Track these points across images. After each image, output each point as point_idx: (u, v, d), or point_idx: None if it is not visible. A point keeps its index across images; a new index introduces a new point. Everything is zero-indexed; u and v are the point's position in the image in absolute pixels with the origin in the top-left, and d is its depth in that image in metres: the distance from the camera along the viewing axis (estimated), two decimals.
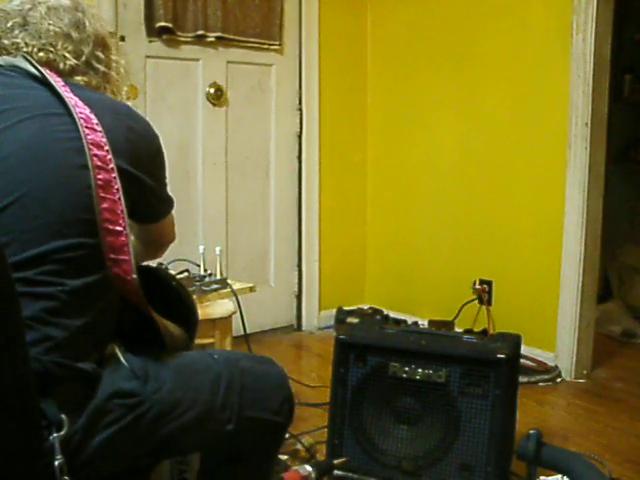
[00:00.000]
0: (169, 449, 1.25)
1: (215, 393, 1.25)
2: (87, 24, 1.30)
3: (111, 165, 1.13)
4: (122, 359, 1.17)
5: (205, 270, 2.14)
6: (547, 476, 2.01)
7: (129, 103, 1.34)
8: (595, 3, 2.88)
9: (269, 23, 3.48)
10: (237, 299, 2.13)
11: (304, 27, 3.62)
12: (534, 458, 1.95)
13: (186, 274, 2.10)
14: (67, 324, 1.08)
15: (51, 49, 1.25)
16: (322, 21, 3.65)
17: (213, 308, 2.16)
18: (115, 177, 1.13)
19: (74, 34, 1.27)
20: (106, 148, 1.13)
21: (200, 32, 3.25)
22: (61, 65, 1.26)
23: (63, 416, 1.03)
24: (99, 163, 1.12)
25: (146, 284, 1.22)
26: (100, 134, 1.13)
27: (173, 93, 3.28)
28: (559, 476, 1.98)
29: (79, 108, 1.14)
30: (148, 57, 3.18)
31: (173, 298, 1.40)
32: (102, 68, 1.32)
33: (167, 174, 1.35)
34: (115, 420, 1.11)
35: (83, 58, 1.28)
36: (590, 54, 2.91)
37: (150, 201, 1.30)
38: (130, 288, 1.17)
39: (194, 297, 1.61)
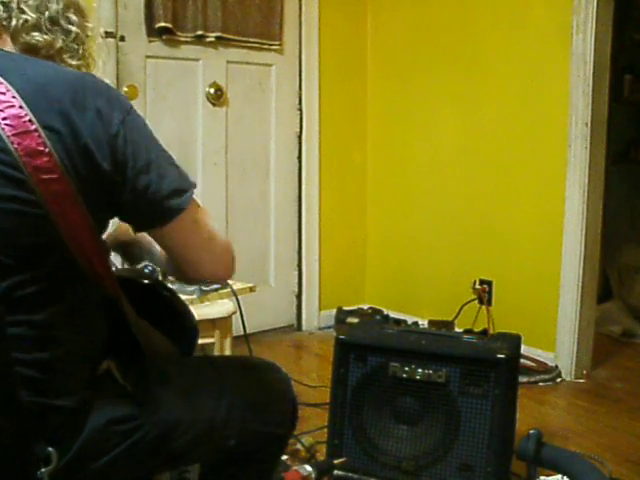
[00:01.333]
0: (169, 465, 1.23)
1: (216, 410, 1.20)
2: None
3: (57, 172, 0.95)
4: (119, 379, 1.11)
5: None
6: (547, 476, 2.01)
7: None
8: (595, 3, 2.88)
9: (269, 23, 3.48)
10: (237, 299, 2.12)
11: (304, 27, 3.62)
12: (534, 458, 1.95)
13: None
14: (41, 358, 1.01)
15: (4, 1, 1.08)
16: (322, 21, 3.65)
17: (213, 308, 2.16)
18: (68, 183, 0.96)
19: None
20: (47, 150, 0.95)
21: (200, 32, 3.25)
22: (13, 22, 1.08)
23: (50, 449, 1.00)
24: (43, 176, 0.95)
25: (134, 298, 1.15)
26: (36, 135, 0.95)
27: (173, 93, 3.28)
28: (559, 476, 1.98)
29: (3, 113, 0.95)
30: (148, 57, 3.17)
31: (166, 309, 1.30)
32: (74, 29, 1.13)
33: (170, 157, 1.10)
34: (113, 446, 1.07)
35: (47, 14, 1.10)
36: (590, 54, 2.91)
37: (139, 193, 1.05)
38: (109, 289, 1.08)
39: (190, 305, 1.47)
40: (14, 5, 1.08)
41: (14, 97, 0.96)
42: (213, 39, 3.31)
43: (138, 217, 1.10)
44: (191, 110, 3.35)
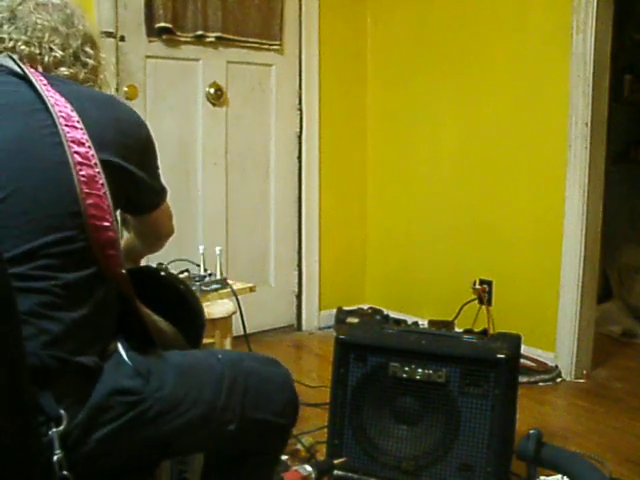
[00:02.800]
0: (170, 448, 1.24)
1: (218, 393, 1.24)
2: (76, 21, 1.31)
3: (94, 161, 1.13)
4: (125, 356, 1.16)
5: (205, 270, 2.14)
6: (547, 476, 2.01)
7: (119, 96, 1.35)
8: (595, 3, 2.88)
9: (269, 23, 3.48)
10: (237, 299, 2.13)
11: (304, 27, 3.62)
12: (534, 458, 1.96)
13: (186, 274, 2.10)
14: (63, 317, 1.08)
15: (36, 42, 1.25)
16: (322, 21, 3.65)
17: (213, 308, 2.16)
18: (99, 172, 1.13)
19: (62, 28, 1.28)
20: (88, 144, 1.13)
21: (200, 32, 3.25)
22: (46, 58, 1.26)
23: (62, 411, 1.04)
24: (80, 159, 1.11)
25: (150, 288, 1.24)
26: (81, 131, 1.13)
27: (173, 93, 3.28)
28: (559, 476, 1.98)
29: (59, 107, 1.14)
30: (148, 57, 3.17)
31: (179, 302, 1.41)
32: (91, 62, 1.32)
33: (159, 164, 1.34)
34: (115, 417, 1.10)
35: (70, 50, 1.29)
36: (590, 54, 2.91)
37: (141, 192, 1.29)
38: (119, 281, 1.18)
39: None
40: (45, 45, 1.26)
41: (67, 102, 1.16)
42: (213, 39, 3.31)
43: (137, 205, 1.34)
44: (191, 110, 3.35)
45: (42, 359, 1.03)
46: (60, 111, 1.13)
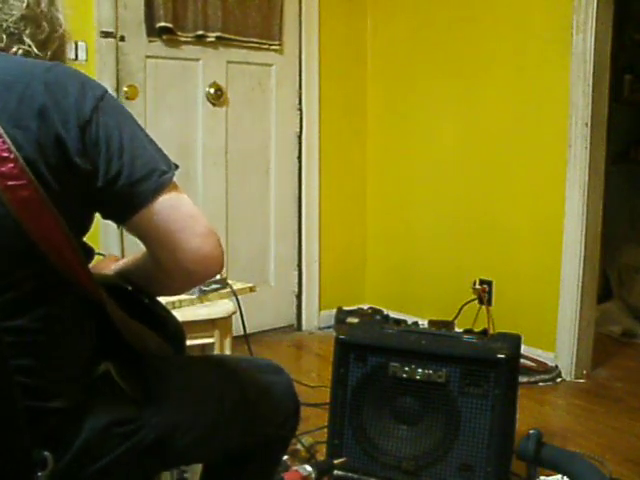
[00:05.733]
0: (169, 465, 1.23)
1: (218, 412, 1.19)
2: None
3: (24, 178, 0.90)
4: (118, 381, 1.09)
5: None
6: (547, 476, 2.01)
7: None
8: (595, 3, 2.88)
9: (269, 23, 3.48)
10: (237, 299, 2.12)
11: (304, 27, 3.62)
12: (534, 458, 1.95)
13: None
14: (28, 364, 0.99)
15: None
16: (322, 21, 3.65)
17: (213, 308, 2.16)
18: (35, 189, 0.92)
19: None
20: (12, 157, 0.90)
21: (200, 32, 3.25)
22: None
23: (47, 453, 0.99)
24: (9, 182, 0.90)
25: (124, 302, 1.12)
26: (0, 140, 0.91)
27: (173, 93, 3.28)
28: (559, 476, 1.98)
29: None
30: (148, 57, 3.17)
31: (148, 315, 1.23)
32: (40, 36, 1.07)
33: (146, 135, 1.04)
34: (111, 449, 1.06)
35: (4, 25, 1.05)
36: (590, 54, 2.91)
37: (111, 179, 0.98)
38: (90, 291, 1.04)
39: (171, 309, 1.42)
40: None
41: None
42: (213, 39, 3.31)
43: (114, 206, 1.01)
44: (191, 110, 3.35)
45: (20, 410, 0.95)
46: None
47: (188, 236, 1.00)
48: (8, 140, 0.91)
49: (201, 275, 1.05)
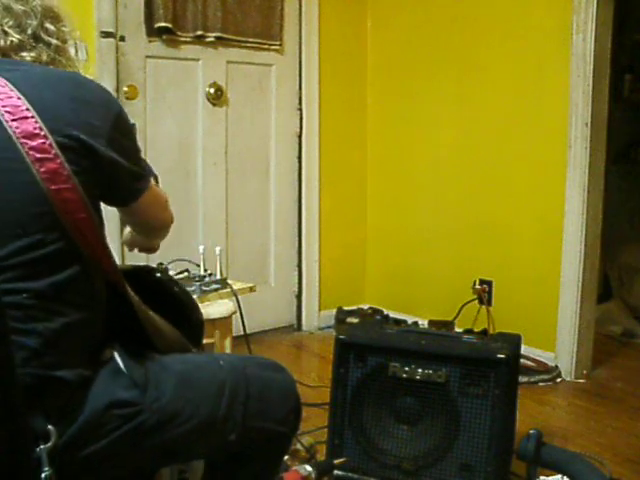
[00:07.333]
0: (169, 457, 1.23)
1: (218, 403, 1.21)
2: None
3: (53, 151, 1.03)
4: (121, 365, 1.12)
5: (205, 270, 2.14)
6: (547, 476, 2.01)
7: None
8: (595, 3, 2.88)
9: (269, 23, 3.48)
10: (237, 299, 2.13)
11: (304, 27, 3.62)
12: (534, 458, 1.96)
13: (186, 274, 2.10)
14: (40, 330, 1.02)
15: None
16: (322, 21, 3.65)
17: (213, 308, 2.16)
18: (61, 163, 1.03)
19: (15, 6, 1.14)
20: (42, 133, 1.03)
21: (200, 32, 3.25)
22: (1, 42, 1.13)
23: (50, 427, 1.01)
24: (37, 155, 1.02)
25: (145, 289, 1.19)
26: (32, 120, 1.03)
27: (173, 93, 3.28)
28: (559, 476, 1.98)
29: (2, 101, 1.03)
30: (148, 57, 3.17)
31: (174, 303, 1.35)
32: (54, 41, 1.18)
33: (140, 146, 1.24)
34: (111, 430, 1.07)
35: (29, 31, 1.15)
36: (590, 54, 2.91)
37: (116, 177, 1.15)
38: (109, 272, 1.13)
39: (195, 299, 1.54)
40: None
41: (12, 90, 1.05)
42: (213, 39, 3.31)
43: (116, 196, 1.21)
44: (191, 110, 3.35)
45: (22, 377, 0.98)
46: (4, 105, 1.03)
47: (162, 219, 1.36)
48: (40, 120, 1.04)
49: (166, 233, 1.40)
